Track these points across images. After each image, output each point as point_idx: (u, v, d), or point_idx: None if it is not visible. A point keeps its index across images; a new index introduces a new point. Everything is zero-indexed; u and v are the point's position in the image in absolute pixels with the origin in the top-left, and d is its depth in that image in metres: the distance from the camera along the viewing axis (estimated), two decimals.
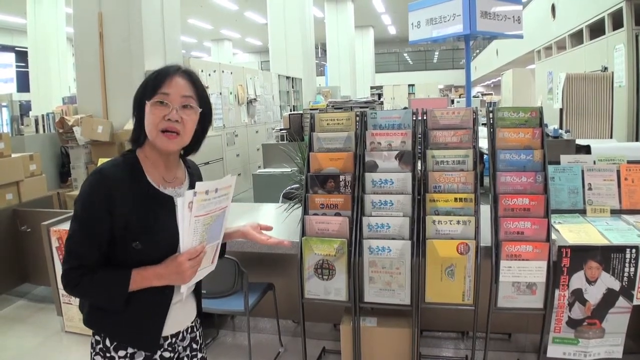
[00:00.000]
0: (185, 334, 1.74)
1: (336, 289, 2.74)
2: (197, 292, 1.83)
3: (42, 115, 6.59)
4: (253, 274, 3.27)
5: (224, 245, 1.85)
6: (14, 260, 4.62)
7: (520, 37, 3.42)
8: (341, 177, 2.81)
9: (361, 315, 2.86)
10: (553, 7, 12.94)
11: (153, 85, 1.53)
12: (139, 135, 1.59)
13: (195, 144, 1.69)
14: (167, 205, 1.58)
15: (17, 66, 18.01)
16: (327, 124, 3.00)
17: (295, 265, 2.79)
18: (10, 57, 16.76)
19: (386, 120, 2.93)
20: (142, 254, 1.51)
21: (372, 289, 2.72)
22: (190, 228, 1.45)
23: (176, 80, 1.55)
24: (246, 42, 30.41)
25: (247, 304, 3.01)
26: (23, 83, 15.54)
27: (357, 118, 2.95)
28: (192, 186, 1.68)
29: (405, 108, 2.98)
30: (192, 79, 1.60)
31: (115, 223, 1.48)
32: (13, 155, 4.93)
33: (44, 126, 6.50)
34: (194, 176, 1.77)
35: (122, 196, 1.49)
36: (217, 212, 1.53)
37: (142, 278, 1.49)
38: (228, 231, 1.83)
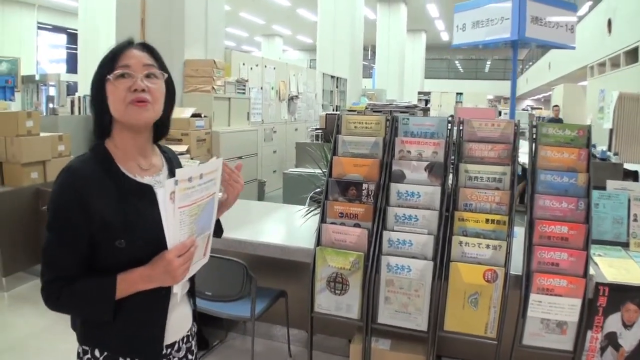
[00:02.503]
0: (181, 343, 1.58)
1: (348, 305, 2.55)
2: (192, 297, 1.66)
3: (79, 97, 6.56)
4: (266, 279, 3.10)
5: (218, 223, 1.69)
6: (32, 238, 4.57)
7: (572, 48, 3.15)
8: (364, 186, 2.61)
9: (374, 335, 2.65)
10: (609, 22, 12.39)
11: (111, 61, 1.40)
12: (102, 121, 1.44)
13: (164, 122, 1.54)
14: (147, 195, 1.41)
15: (68, 48, 18.35)
16: (355, 127, 2.80)
17: (310, 274, 2.62)
18: (62, 38, 17.10)
19: (419, 127, 2.71)
20: (128, 254, 1.36)
21: (387, 310, 2.51)
22: (175, 221, 1.28)
23: (133, 52, 1.43)
24: (297, 39, 30.37)
25: (253, 311, 2.83)
26: (73, 64, 15.80)
27: (388, 123, 2.74)
28: (172, 173, 1.53)
29: (451, 116, 2.75)
30: (149, 48, 1.48)
31: (93, 224, 1.34)
32: (42, 135, 4.87)
33: (79, 108, 6.46)
34: (173, 162, 1.61)
35: (95, 193, 1.35)
36: (205, 200, 1.37)
37: (128, 283, 1.35)
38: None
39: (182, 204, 1.28)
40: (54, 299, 1.35)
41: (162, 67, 1.49)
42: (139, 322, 1.43)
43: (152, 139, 1.54)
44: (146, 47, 1.47)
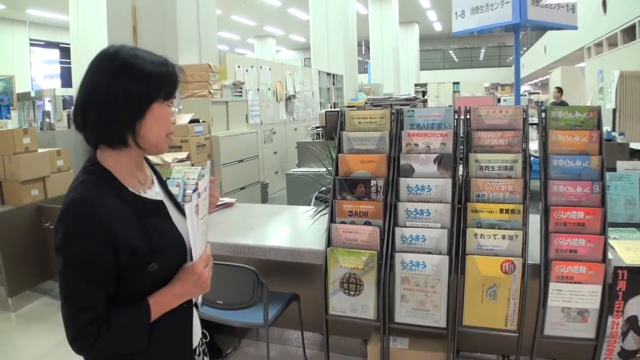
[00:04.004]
0: (199, 349, 1.56)
1: (363, 306, 2.48)
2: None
3: None
4: (276, 283, 3.04)
5: None
6: (37, 257, 4.52)
7: (575, 28, 3.09)
8: (372, 182, 2.54)
9: (391, 334, 2.59)
10: (604, 1, 12.31)
11: (170, 86, 1.36)
12: (125, 135, 1.30)
13: None
14: (160, 211, 1.38)
15: (62, 62, 18.27)
16: (359, 123, 2.74)
17: (322, 276, 2.55)
18: (55, 53, 17.04)
19: (425, 119, 2.64)
20: (159, 275, 1.32)
21: (404, 308, 2.44)
22: (199, 233, 1.34)
23: None
24: (290, 38, 30.31)
25: (266, 317, 2.76)
26: (67, 78, 15.74)
27: (393, 116, 2.68)
28: (160, 180, 1.54)
29: (450, 106, 2.68)
30: None
31: (122, 254, 1.25)
32: (40, 151, 4.81)
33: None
34: (155, 168, 1.58)
35: (117, 222, 1.25)
36: (207, 207, 1.46)
37: (160, 306, 1.31)
38: None
39: (202, 215, 1.35)
40: (91, 342, 1.23)
41: None
42: (169, 338, 1.40)
43: None
44: None
